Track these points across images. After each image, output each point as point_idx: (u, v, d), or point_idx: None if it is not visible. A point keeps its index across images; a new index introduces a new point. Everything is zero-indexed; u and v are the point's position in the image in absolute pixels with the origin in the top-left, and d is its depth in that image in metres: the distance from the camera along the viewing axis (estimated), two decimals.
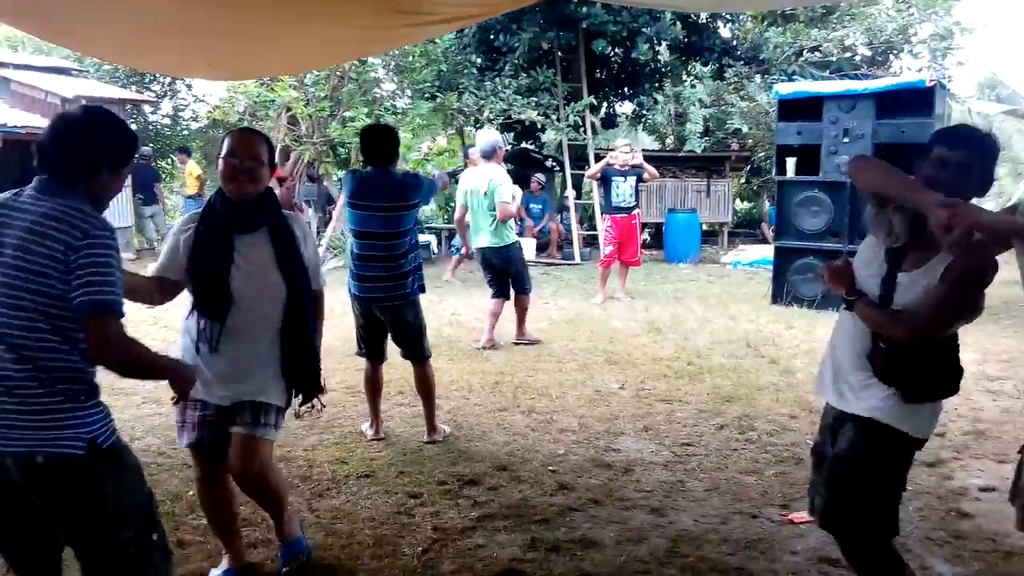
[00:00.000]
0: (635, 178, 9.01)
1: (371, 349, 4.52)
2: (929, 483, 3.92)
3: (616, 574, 3.06)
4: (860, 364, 2.37)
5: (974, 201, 2.26)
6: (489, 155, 6.64)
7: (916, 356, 2.27)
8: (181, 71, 7.13)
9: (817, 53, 14.49)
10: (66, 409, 1.99)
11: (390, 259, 4.27)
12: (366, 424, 4.63)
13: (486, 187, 6.55)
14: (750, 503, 3.73)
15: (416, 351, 4.50)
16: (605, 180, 9.24)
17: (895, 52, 15.17)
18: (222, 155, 2.76)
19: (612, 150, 10.25)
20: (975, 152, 2.27)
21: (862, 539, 2.37)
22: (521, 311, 6.90)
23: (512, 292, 6.81)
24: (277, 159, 12.23)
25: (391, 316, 4.38)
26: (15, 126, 10.91)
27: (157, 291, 2.76)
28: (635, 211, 9.13)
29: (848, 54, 14.80)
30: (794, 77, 14.02)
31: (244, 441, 2.74)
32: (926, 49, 15.08)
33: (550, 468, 4.12)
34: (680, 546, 3.28)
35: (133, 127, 11.98)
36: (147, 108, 14.22)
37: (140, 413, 4.97)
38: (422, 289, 4.47)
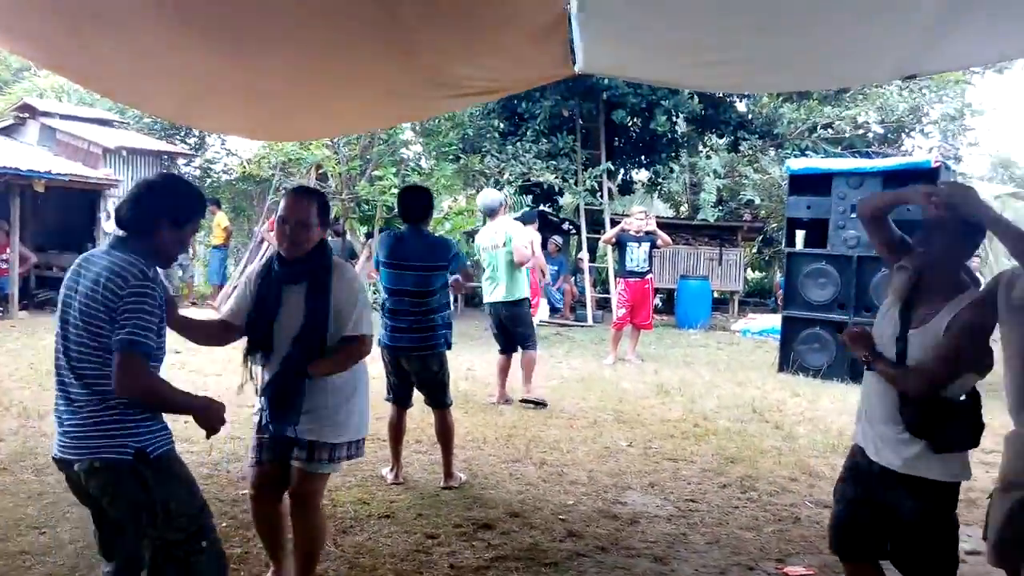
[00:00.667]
0: (649, 244, 9.36)
1: (398, 395, 4.83)
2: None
3: None
4: (893, 418, 2.59)
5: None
6: (495, 212, 6.90)
7: (941, 410, 2.52)
8: (227, 130, 7.57)
9: (830, 130, 14.97)
10: (117, 423, 2.33)
11: (420, 314, 4.59)
12: (386, 468, 4.89)
13: (503, 238, 6.77)
14: (748, 556, 3.94)
15: (439, 398, 4.81)
16: (620, 245, 9.58)
17: (906, 131, 15.63)
18: (277, 215, 3.14)
19: (628, 216, 10.61)
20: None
21: None
22: (527, 366, 6.93)
23: (519, 349, 6.96)
24: None
25: (418, 365, 4.69)
26: (59, 173, 11.43)
27: (224, 331, 3.13)
28: (648, 276, 9.45)
29: (860, 131, 15.28)
30: (807, 152, 14.48)
31: (296, 473, 3.08)
32: (937, 129, 15.53)
33: (560, 516, 4.36)
34: None
35: None
36: (180, 161, 14.79)
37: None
38: (448, 345, 4.78)
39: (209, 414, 2.51)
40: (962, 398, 2.58)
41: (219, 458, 5.08)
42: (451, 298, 5.03)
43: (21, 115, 13.92)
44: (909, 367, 2.55)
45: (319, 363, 3.00)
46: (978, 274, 2.83)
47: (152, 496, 2.35)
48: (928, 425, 2.53)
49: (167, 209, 2.49)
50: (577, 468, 5.24)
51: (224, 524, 4.00)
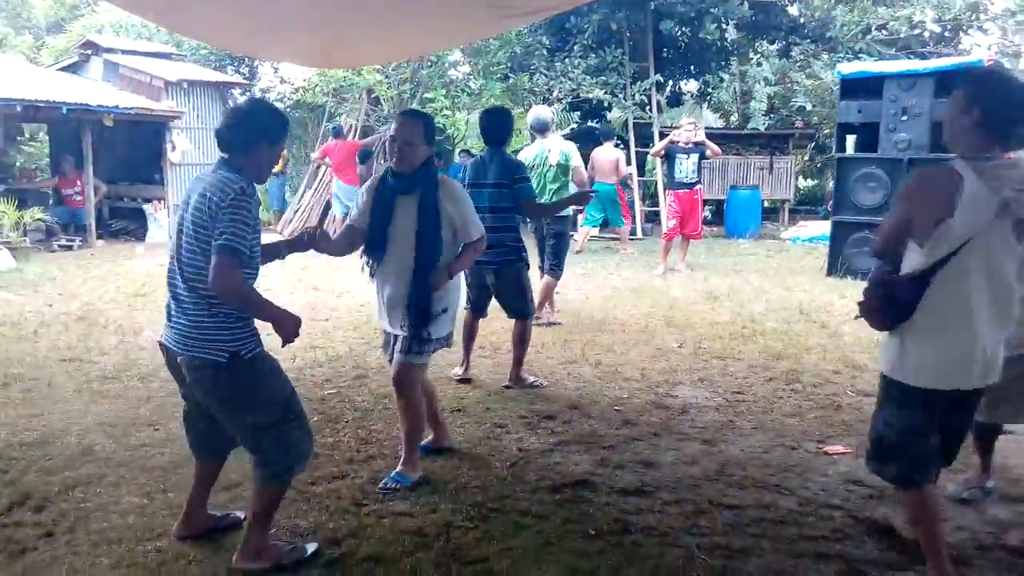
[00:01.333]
0: (698, 155, 9.48)
1: (476, 305, 5.30)
2: None
3: (673, 486, 3.68)
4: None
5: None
6: (545, 130, 6.81)
7: (886, 287, 2.67)
8: (292, 58, 7.87)
9: (884, 31, 14.60)
10: (216, 328, 2.72)
11: (497, 231, 4.78)
12: (458, 368, 5.35)
13: (558, 157, 6.65)
14: (791, 439, 4.29)
15: (519, 309, 5.15)
16: (669, 157, 9.73)
17: (964, 29, 15.13)
18: (388, 134, 3.63)
19: (677, 128, 10.70)
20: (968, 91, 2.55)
21: None
22: (543, 291, 6.75)
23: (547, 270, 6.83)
24: (359, 137, 12.97)
25: (497, 278, 5.07)
26: (126, 107, 11.91)
27: (348, 238, 3.65)
28: (697, 187, 9.61)
29: (916, 31, 14.86)
30: (861, 55, 14.19)
31: (396, 363, 3.59)
32: (996, 25, 15.01)
33: (615, 408, 4.76)
34: (728, 468, 3.88)
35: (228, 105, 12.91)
36: (235, 91, 15.16)
37: None
38: (526, 263, 5.11)
39: (286, 324, 2.81)
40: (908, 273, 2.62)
41: (302, 364, 5.57)
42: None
43: (84, 52, 14.37)
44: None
45: (442, 272, 3.51)
46: None
47: (244, 389, 2.77)
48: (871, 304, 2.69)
49: (263, 131, 2.83)
50: (630, 367, 5.61)
51: (315, 419, 4.47)
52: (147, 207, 13.04)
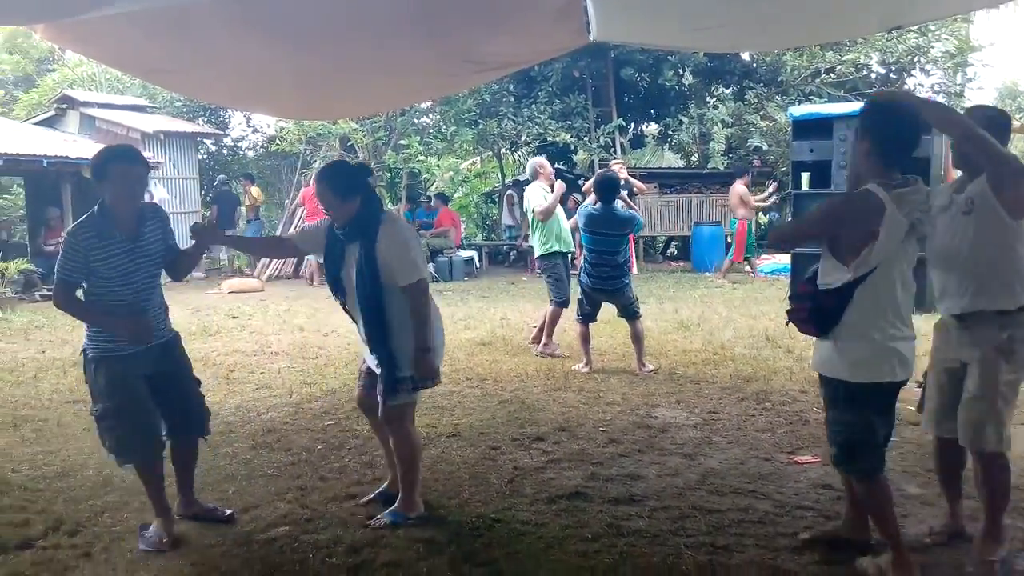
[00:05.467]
0: (627, 192, 9.96)
1: (590, 316, 6.81)
2: (912, 436, 4.81)
3: (659, 495, 4.00)
4: None
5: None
6: (533, 177, 7.59)
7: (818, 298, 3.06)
8: (278, 112, 8.22)
9: (832, 74, 15.39)
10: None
11: (614, 267, 6.58)
12: (580, 364, 6.66)
13: (526, 204, 7.65)
14: (764, 451, 4.65)
15: (631, 312, 6.66)
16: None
17: (908, 71, 16.00)
18: None
19: (607, 168, 11.29)
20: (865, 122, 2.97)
21: None
22: (551, 319, 7.32)
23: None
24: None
25: (612, 297, 6.70)
26: None
27: (278, 246, 4.17)
28: None
29: (863, 74, 15.67)
30: (811, 97, 14.93)
31: (380, 403, 3.66)
32: (937, 67, 15.90)
33: (600, 428, 5.08)
34: (708, 478, 4.21)
35: (202, 156, 13.16)
36: (208, 141, 15.47)
37: (256, 396, 6.01)
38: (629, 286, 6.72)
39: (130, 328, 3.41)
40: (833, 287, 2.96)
41: (299, 399, 5.84)
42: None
43: (61, 106, 14.63)
44: None
45: (422, 345, 3.52)
46: None
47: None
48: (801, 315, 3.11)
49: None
50: (611, 392, 5.96)
51: (320, 447, 4.76)
52: None
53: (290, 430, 5.13)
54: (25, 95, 20.01)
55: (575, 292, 7.03)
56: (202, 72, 5.35)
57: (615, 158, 13.43)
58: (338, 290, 3.67)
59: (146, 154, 13.26)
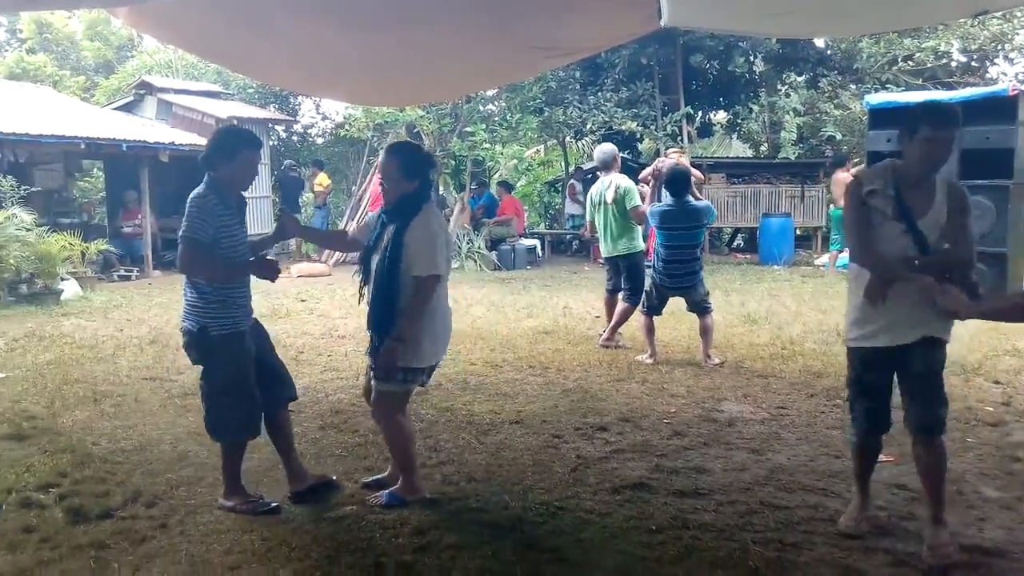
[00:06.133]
0: None
1: (657, 309, 6.74)
2: (990, 438, 4.64)
3: (725, 489, 3.94)
4: None
5: None
6: (610, 165, 7.16)
7: None
8: (350, 98, 8.33)
9: (910, 62, 14.87)
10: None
11: (688, 261, 6.56)
12: (645, 355, 6.62)
13: (613, 195, 6.97)
14: (835, 449, 4.52)
15: (703, 308, 6.59)
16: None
17: (991, 59, 15.36)
18: None
19: (665, 156, 11.09)
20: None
21: None
22: (622, 315, 7.12)
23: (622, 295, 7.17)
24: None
25: (685, 293, 6.63)
26: (181, 144, 12.50)
27: (350, 242, 4.18)
28: None
29: (942, 61, 15.11)
30: (888, 86, 14.45)
31: (374, 391, 3.70)
32: (1022, 55, 15.23)
33: (665, 420, 5.03)
34: (776, 474, 4.13)
35: (272, 142, 13.46)
36: (279, 127, 15.77)
37: (324, 378, 6.11)
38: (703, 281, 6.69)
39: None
40: None
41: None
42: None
43: (140, 92, 15.11)
44: None
45: (397, 334, 3.49)
46: None
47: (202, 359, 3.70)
48: None
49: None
50: (676, 384, 5.88)
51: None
52: None
53: (357, 412, 5.20)
54: (105, 81, 20.73)
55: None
56: (275, 57, 5.47)
57: (674, 147, 13.20)
58: (365, 272, 3.73)
59: None
